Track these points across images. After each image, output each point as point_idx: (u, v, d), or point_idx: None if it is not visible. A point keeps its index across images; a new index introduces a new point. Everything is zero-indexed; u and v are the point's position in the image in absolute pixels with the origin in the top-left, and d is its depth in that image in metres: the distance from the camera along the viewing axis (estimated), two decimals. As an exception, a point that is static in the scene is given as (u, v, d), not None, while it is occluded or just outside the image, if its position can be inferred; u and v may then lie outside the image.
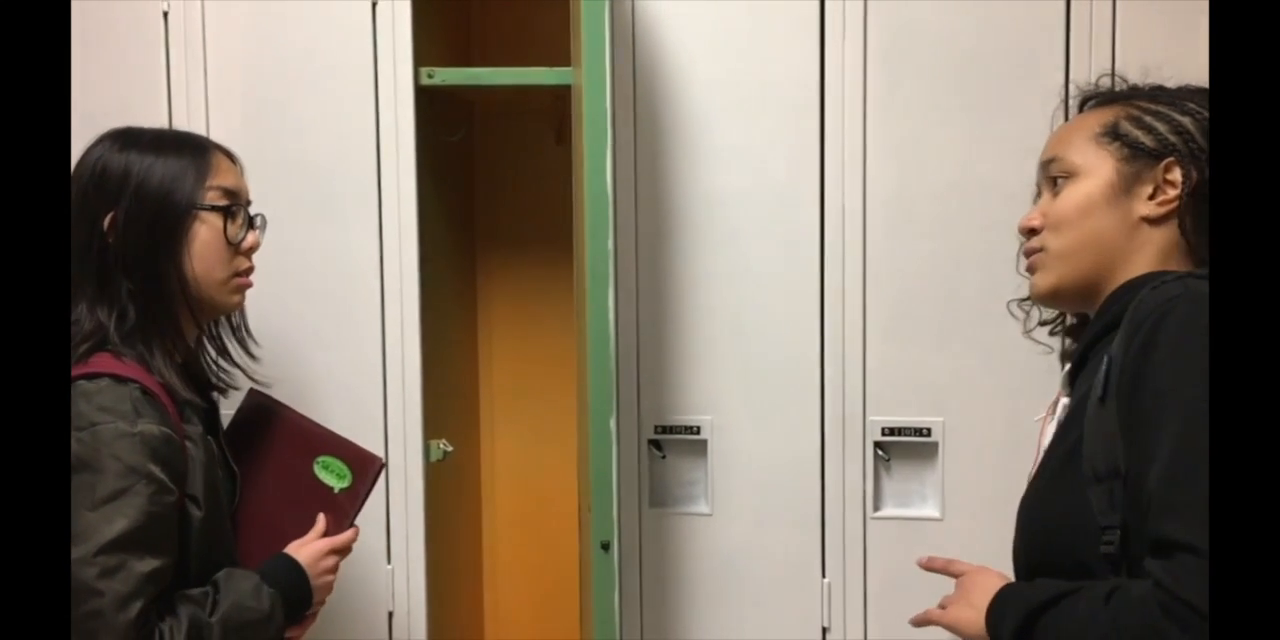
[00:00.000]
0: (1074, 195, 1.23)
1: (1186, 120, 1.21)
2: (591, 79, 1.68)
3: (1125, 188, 1.21)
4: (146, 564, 1.36)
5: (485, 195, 2.52)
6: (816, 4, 2.00)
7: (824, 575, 2.05)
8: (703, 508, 2.10)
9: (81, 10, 2.00)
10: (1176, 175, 1.19)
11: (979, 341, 1.99)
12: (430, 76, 2.01)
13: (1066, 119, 1.47)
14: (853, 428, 2.03)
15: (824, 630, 2.05)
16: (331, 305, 2.03)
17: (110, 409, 1.39)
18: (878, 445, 2.03)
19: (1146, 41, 1.91)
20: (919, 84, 1.99)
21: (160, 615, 1.37)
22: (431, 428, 2.05)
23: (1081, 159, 1.24)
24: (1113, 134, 1.23)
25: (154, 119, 1.92)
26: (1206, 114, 1.21)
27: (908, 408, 2.02)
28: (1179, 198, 1.19)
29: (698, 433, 2.08)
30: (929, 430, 2.01)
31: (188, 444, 1.46)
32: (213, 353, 1.64)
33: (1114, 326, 1.15)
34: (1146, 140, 1.21)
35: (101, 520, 1.35)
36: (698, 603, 2.10)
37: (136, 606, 1.33)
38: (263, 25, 2.02)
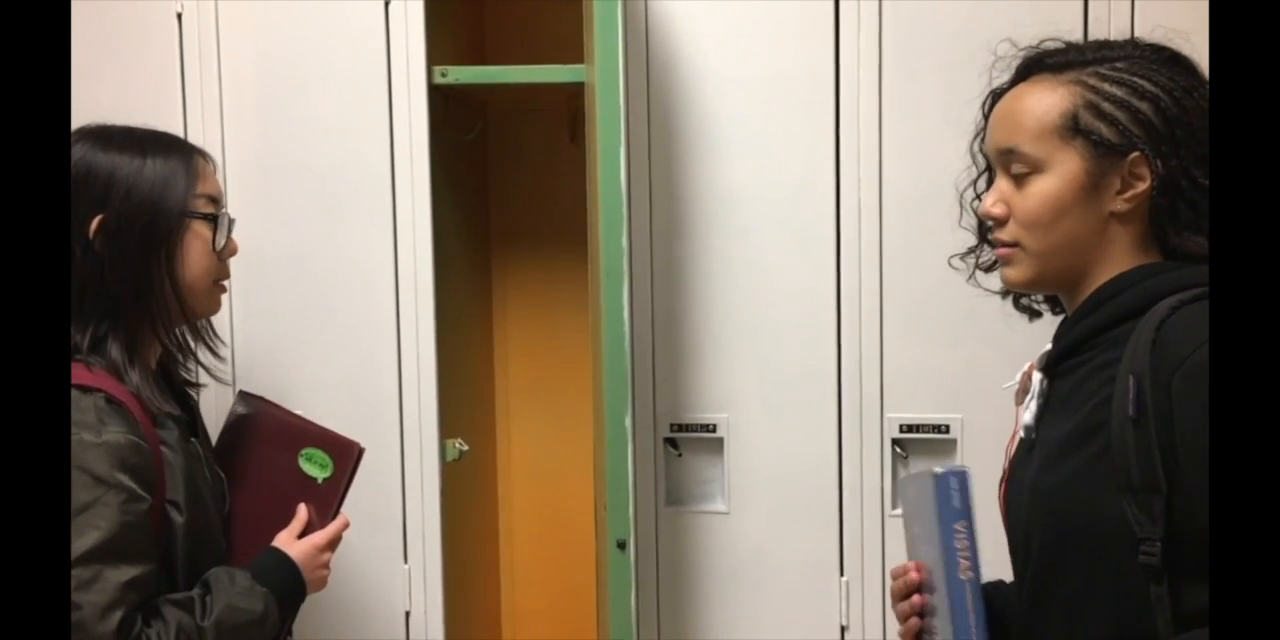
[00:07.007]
0: (1043, 193, 1.20)
1: (1146, 107, 1.17)
2: (605, 76, 1.67)
3: (1094, 185, 1.18)
4: (123, 573, 1.34)
5: (499, 194, 2.51)
6: (831, -1, 1.99)
7: (842, 573, 2.04)
8: (719, 506, 2.09)
9: (95, 12, 2.01)
10: (1143, 170, 1.17)
11: (997, 337, 1.97)
12: (443, 75, 2.01)
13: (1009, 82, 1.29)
14: (870, 425, 2.01)
15: (842, 629, 2.04)
16: (346, 306, 2.03)
17: (74, 421, 1.36)
18: (895, 442, 2.02)
19: (1165, 37, 1.89)
20: (934, 79, 1.97)
21: (146, 621, 1.36)
22: (447, 427, 2.05)
23: (1044, 154, 1.19)
24: (1073, 128, 1.18)
25: (168, 120, 1.91)
26: (1165, 95, 1.17)
27: (926, 404, 2.00)
28: (1148, 191, 1.17)
29: (714, 431, 2.07)
30: (947, 427, 2.00)
31: (164, 450, 1.44)
32: (178, 355, 1.60)
33: (1112, 324, 1.18)
34: (1109, 134, 1.17)
35: (73, 533, 1.32)
36: (715, 601, 2.09)
37: (117, 616, 1.32)
38: (276, 26, 2.03)
